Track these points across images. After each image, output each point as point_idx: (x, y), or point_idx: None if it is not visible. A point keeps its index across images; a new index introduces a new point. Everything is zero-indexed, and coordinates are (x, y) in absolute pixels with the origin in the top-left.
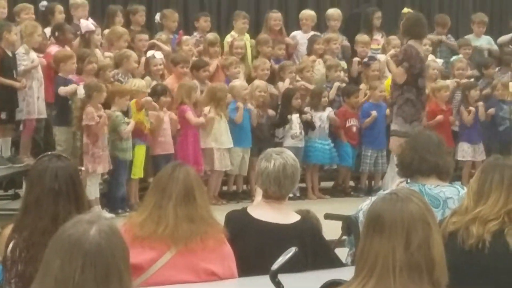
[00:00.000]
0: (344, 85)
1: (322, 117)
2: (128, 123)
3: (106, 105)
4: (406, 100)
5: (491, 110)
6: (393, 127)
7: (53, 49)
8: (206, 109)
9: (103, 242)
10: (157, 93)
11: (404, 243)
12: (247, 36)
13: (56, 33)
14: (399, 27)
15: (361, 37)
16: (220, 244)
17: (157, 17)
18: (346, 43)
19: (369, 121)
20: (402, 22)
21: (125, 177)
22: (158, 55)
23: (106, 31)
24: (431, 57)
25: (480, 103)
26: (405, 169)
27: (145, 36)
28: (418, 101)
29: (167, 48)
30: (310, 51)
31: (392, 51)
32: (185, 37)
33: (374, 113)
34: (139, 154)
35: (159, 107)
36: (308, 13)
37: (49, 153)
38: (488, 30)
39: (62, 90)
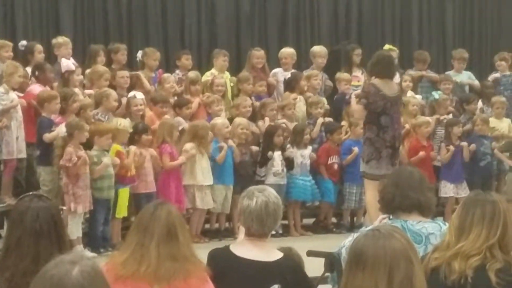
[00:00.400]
0: (327, 120)
1: (304, 154)
2: (100, 162)
3: (90, 144)
4: (365, 140)
5: (472, 146)
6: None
7: (34, 88)
8: (188, 145)
9: (85, 282)
10: (138, 131)
11: (387, 280)
12: (227, 74)
13: (36, 73)
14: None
15: (342, 74)
16: (203, 283)
17: (139, 55)
18: (329, 81)
19: (351, 158)
20: (369, 61)
21: (103, 216)
22: (139, 95)
23: (88, 70)
24: (410, 93)
25: (464, 144)
26: (387, 206)
27: (126, 73)
28: (378, 139)
29: (148, 86)
30: (292, 88)
31: (359, 90)
32: (165, 75)
33: (355, 149)
34: (123, 196)
35: (141, 146)
36: (288, 51)
37: (31, 193)
38: (468, 65)
39: (48, 137)
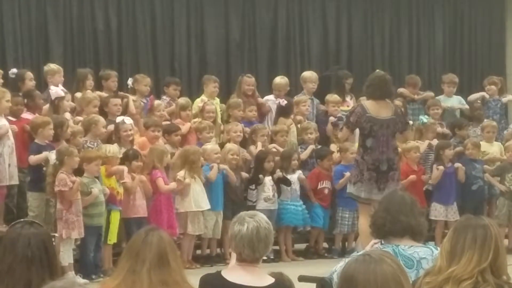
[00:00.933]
0: (319, 146)
1: (293, 179)
2: (90, 192)
3: (80, 171)
4: (354, 161)
5: (457, 165)
6: None
7: (25, 115)
8: (181, 173)
9: None
10: (129, 158)
11: None
12: (217, 100)
13: (26, 100)
14: None
15: (332, 97)
16: None
17: (129, 81)
18: (322, 106)
19: (343, 182)
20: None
21: (94, 243)
22: (128, 120)
23: (77, 94)
24: None
25: (459, 165)
26: (378, 231)
27: (119, 101)
28: (362, 161)
29: (133, 109)
30: (287, 114)
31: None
32: (156, 102)
33: (347, 174)
34: (115, 220)
35: (131, 171)
36: (281, 82)
37: (22, 220)
38: (458, 90)
39: (32, 159)
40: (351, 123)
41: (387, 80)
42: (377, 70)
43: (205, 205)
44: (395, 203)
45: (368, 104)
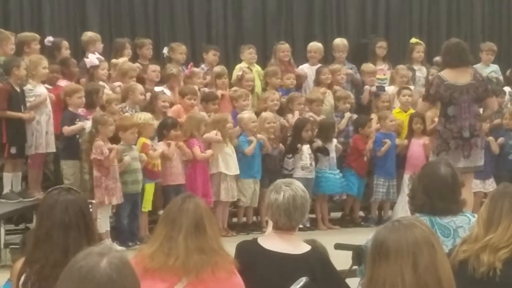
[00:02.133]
0: (355, 116)
1: (330, 148)
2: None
3: (118, 138)
4: (435, 132)
5: (501, 140)
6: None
7: (61, 83)
8: (211, 132)
9: (114, 274)
10: (167, 126)
11: (411, 266)
12: (257, 67)
13: (61, 68)
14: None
15: (367, 66)
16: (231, 275)
17: (165, 50)
18: (355, 74)
19: (385, 149)
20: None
21: (128, 210)
22: (168, 91)
23: (113, 61)
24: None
25: (490, 138)
26: (417, 209)
27: (157, 67)
28: (445, 130)
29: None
30: (317, 83)
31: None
32: (195, 70)
33: (388, 141)
34: (149, 190)
35: (170, 139)
36: (315, 46)
37: (59, 186)
38: (496, 59)
39: (67, 129)
40: (431, 95)
41: (464, 47)
42: (416, 39)
43: (235, 169)
44: (436, 184)
45: (444, 73)
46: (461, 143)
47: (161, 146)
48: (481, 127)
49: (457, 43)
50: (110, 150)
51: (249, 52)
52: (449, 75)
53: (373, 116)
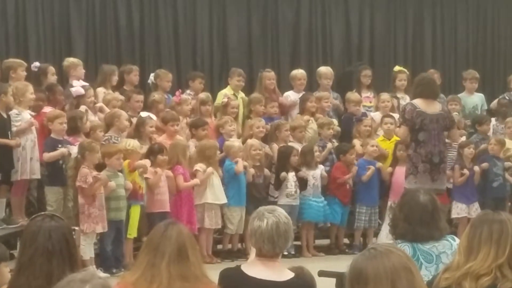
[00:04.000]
0: (336, 144)
1: (315, 175)
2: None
3: (103, 165)
4: (406, 157)
5: (485, 165)
6: None
7: (46, 109)
8: (200, 165)
9: None
10: (154, 152)
11: None
12: (242, 94)
13: (47, 93)
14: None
15: (352, 95)
16: None
17: (151, 77)
18: (337, 102)
19: (370, 174)
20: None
21: (112, 237)
22: (154, 116)
23: (99, 89)
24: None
25: (476, 168)
26: (398, 237)
27: (141, 97)
28: (415, 154)
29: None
30: (302, 110)
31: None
32: (184, 97)
33: (372, 167)
34: (135, 214)
35: (157, 166)
36: (299, 73)
37: (42, 213)
38: (480, 86)
39: (46, 156)
40: (406, 119)
41: (435, 81)
42: (400, 67)
43: (223, 198)
44: (416, 212)
45: (416, 101)
46: (429, 167)
47: (148, 173)
48: (446, 154)
49: (429, 77)
50: (95, 178)
51: (237, 80)
52: (420, 104)
53: (356, 141)
